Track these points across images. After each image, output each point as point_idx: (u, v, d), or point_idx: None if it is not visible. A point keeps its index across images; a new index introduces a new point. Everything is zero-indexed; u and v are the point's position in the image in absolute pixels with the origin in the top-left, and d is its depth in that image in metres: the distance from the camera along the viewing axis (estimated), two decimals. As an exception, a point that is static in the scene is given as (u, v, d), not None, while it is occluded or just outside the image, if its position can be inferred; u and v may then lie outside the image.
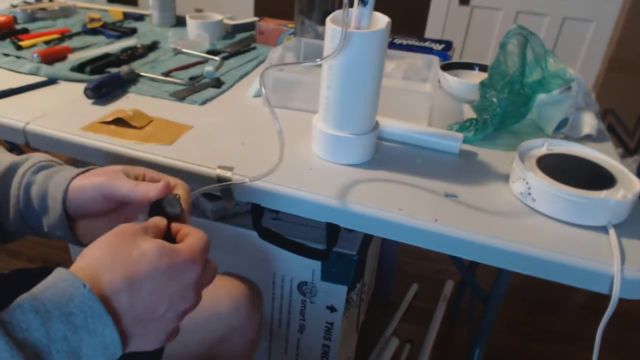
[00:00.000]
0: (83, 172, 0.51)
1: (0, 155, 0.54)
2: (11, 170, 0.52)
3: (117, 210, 0.52)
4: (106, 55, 1.02)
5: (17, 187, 0.51)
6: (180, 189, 0.51)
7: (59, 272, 0.37)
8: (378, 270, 1.50)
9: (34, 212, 0.50)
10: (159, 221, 0.46)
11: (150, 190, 0.47)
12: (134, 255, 0.39)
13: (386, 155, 0.73)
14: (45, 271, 0.66)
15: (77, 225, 0.52)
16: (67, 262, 1.50)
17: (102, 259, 0.39)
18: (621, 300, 0.52)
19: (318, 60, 0.62)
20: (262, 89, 0.59)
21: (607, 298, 0.53)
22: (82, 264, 0.39)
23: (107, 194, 0.48)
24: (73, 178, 0.50)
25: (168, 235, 0.46)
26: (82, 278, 0.36)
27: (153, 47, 1.11)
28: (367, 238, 0.94)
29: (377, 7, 0.60)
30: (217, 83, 0.94)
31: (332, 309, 0.97)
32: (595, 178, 0.64)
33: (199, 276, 0.41)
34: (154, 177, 0.51)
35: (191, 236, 0.44)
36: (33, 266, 0.76)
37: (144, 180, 0.51)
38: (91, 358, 0.36)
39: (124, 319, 0.38)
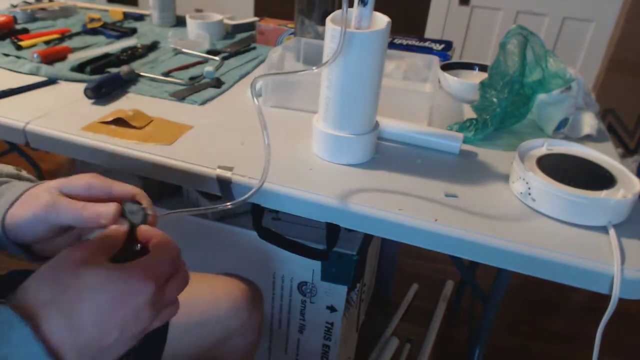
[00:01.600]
0: (17, 199, 0.45)
1: None
2: None
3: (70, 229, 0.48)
4: (106, 55, 1.02)
5: None
6: (141, 196, 0.46)
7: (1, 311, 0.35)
8: (378, 270, 1.49)
9: None
10: (115, 232, 0.42)
11: (100, 216, 0.42)
12: (74, 288, 0.36)
13: (386, 155, 0.73)
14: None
15: (32, 247, 0.48)
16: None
17: (42, 293, 0.36)
18: (621, 300, 0.52)
19: (314, 68, 0.61)
20: (255, 99, 0.57)
21: (607, 298, 0.53)
22: (23, 296, 0.36)
23: (49, 224, 0.44)
24: (7, 210, 0.44)
25: (129, 244, 0.43)
26: (22, 314, 0.34)
27: (153, 47, 1.11)
28: (367, 238, 0.94)
29: (377, 7, 0.60)
30: (217, 83, 0.94)
31: (332, 309, 0.97)
32: (595, 178, 0.64)
33: (152, 294, 0.38)
34: (102, 187, 0.45)
35: (152, 250, 0.41)
36: (33, 266, 0.76)
37: (87, 195, 0.45)
38: None
39: (69, 353, 0.35)
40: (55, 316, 0.35)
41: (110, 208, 0.43)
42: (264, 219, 0.84)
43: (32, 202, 0.44)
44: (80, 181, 0.45)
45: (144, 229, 0.44)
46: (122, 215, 0.44)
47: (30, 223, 0.44)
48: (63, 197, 0.44)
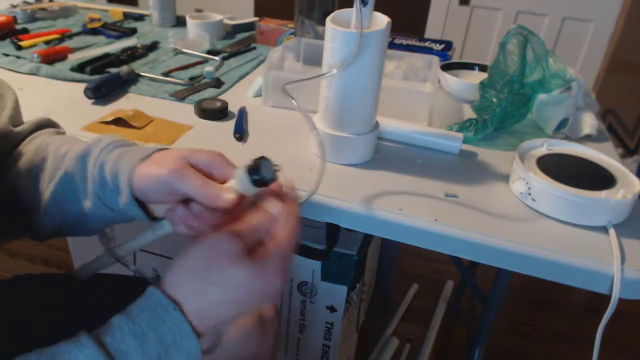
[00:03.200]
0: (148, 156, 0.48)
1: (77, 144, 0.53)
2: (86, 153, 0.50)
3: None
4: (106, 55, 1.02)
5: (93, 166, 0.49)
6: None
7: (153, 294, 0.40)
8: (378, 270, 1.49)
9: (109, 191, 0.49)
10: (257, 224, 0.44)
11: (219, 199, 0.44)
12: (221, 284, 0.41)
13: (386, 155, 0.73)
14: (48, 278, 0.66)
15: (149, 206, 0.51)
16: (67, 262, 1.50)
17: (191, 283, 0.41)
18: (621, 300, 0.52)
19: (335, 70, 0.61)
20: (314, 126, 0.56)
21: (607, 298, 0.53)
22: (172, 280, 0.41)
23: (171, 190, 0.45)
24: (138, 164, 0.47)
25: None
26: (173, 298, 0.40)
27: (153, 47, 1.11)
28: (367, 238, 0.94)
29: (377, 7, 0.60)
30: (217, 83, 0.94)
31: (332, 309, 0.97)
32: (595, 178, 0.64)
33: (283, 282, 0.43)
34: (221, 168, 0.47)
35: (279, 241, 0.43)
36: (33, 266, 0.76)
37: (207, 171, 0.47)
38: None
39: (208, 329, 0.41)
40: (201, 304, 0.41)
41: (231, 196, 0.44)
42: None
43: (161, 164, 0.46)
44: (204, 156, 0.47)
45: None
46: (251, 171, 0.44)
47: (155, 183, 0.46)
48: (189, 167, 0.46)
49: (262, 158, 0.44)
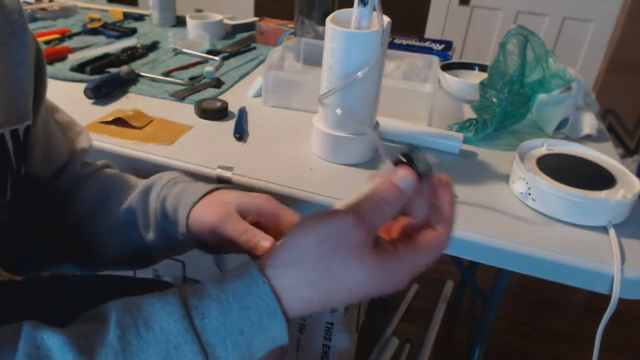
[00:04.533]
0: (204, 197, 0.50)
1: (136, 179, 0.57)
2: (149, 187, 0.54)
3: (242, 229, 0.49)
4: (106, 55, 1.02)
5: (155, 200, 0.52)
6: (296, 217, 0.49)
7: (246, 266, 0.37)
8: (378, 270, 1.49)
9: (170, 222, 0.51)
10: (390, 224, 0.41)
11: (256, 246, 0.45)
12: (341, 278, 0.36)
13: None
14: (55, 279, 0.66)
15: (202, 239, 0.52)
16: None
17: (306, 269, 0.36)
18: (621, 300, 0.52)
19: (359, 74, 0.60)
20: (380, 145, 0.43)
21: (607, 298, 0.53)
22: (281, 261, 0.37)
23: (217, 234, 0.48)
24: (195, 203, 0.50)
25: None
26: (277, 287, 0.36)
27: (153, 47, 1.11)
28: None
29: (377, 7, 0.60)
30: (217, 83, 0.94)
31: (332, 309, 0.97)
32: (595, 178, 0.64)
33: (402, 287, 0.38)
34: (271, 213, 0.49)
35: (426, 243, 0.38)
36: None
37: (256, 219, 0.49)
38: (260, 349, 0.36)
39: (306, 310, 0.37)
40: (315, 299, 0.36)
41: (267, 244, 0.45)
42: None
43: (210, 209, 0.49)
44: (253, 202, 0.50)
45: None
46: (410, 159, 0.38)
47: (204, 228, 0.49)
48: (234, 214, 0.48)
49: (414, 148, 0.38)
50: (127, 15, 1.35)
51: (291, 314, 0.36)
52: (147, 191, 0.54)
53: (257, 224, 0.49)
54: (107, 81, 0.86)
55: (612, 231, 0.58)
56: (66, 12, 1.32)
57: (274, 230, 0.49)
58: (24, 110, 0.49)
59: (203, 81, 0.95)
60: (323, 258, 0.36)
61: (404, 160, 0.38)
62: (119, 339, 0.33)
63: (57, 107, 0.61)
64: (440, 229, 0.39)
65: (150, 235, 0.53)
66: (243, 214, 0.49)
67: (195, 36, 1.18)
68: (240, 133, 0.75)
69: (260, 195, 0.50)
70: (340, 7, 0.64)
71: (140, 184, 0.55)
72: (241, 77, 0.99)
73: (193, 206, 0.50)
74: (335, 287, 0.36)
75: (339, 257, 0.35)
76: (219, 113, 0.81)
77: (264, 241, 0.45)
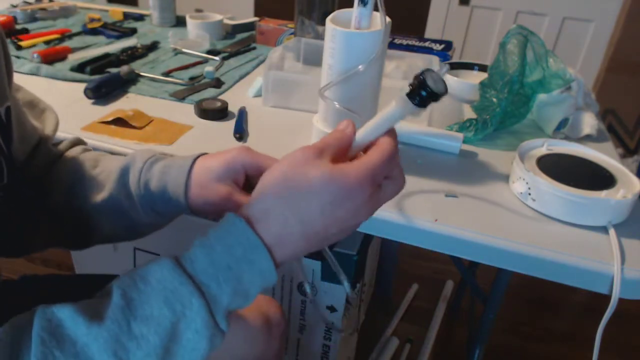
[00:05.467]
0: (200, 156, 0.51)
1: (110, 162, 0.55)
2: (125, 171, 0.53)
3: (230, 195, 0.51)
4: (106, 55, 1.02)
5: (137, 187, 0.52)
6: None
7: (225, 215, 0.40)
8: (378, 270, 1.49)
9: (163, 202, 0.52)
10: (341, 135, 0.44)
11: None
12: (302, 188, 0.39)
13: (386, 155, 0.73)
14: (54, 278, 0.66)
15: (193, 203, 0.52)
16: (67, 262, 1.50)
17: (274, 197, 0.40)
18: (621, 300, 0.52)
19: (360, 67, 0.60)
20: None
21: (607, 298, 0.53)
22: (253, 201, 0.41)
23: (246, 164, 0.49)
24: (195, 159, 0.51)
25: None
26: (253, 221, 0.39)
27: (153, 47, 1.11)
28: (367, 238, 0.94)
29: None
30: (217, 83, 0.94)
31: (332, 309, 0.97)
32: (595, 178, 0.64)
33: (369, 196, 0.41)
34: (251, 163, 0.50)
35: (370, 153, 0.43)
36: (33, 266, 0.76)
37: (245, 172, 0.50)
38: (252, 283, 0.39)
39: (293, 242, 0.40)
40: (287, 213, 0.40)
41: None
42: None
43: (218, 156, 0.50)
44: (234, 159, 0.50)
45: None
46: (417, 90, 0.43)
47: (223, 167, 0.49)
48: (219, 182, 0.49)
49: (429, 69, 0.41)
50: (127, 15, 1.35)
51: (267, 240, 0.39)
52: (123, 176, 0.53)
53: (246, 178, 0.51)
54: (107, 81, 0.86)
55: (612, 231, 0.58)
56: (66, 12, 1.33)
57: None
58: (3, 92, 0.49)
59: (203, 81, 0.95)
60: (287, 184, 0.40)
61: (419, 80, 0.41)
62: (122, 297, 0.37)
63: (19, 85, 0.60)
64: (383, 139, 0.46)
65: (140, 215, 0.52)
66: (232, 176, 0.50)
67: (195, 36, 1.18)
68: (240, 133, 0.75)
69: (234, 149, 0.51)
70: (340, 7, 0.64)
71: (113, 168, 0.54)
72: (241, 77, 0.99)
73: (186, 187, 0.50)
74: (305, 204, 0.39)
75: (299, 174, 0.39)
76: (219, 113, 0.81)
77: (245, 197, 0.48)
